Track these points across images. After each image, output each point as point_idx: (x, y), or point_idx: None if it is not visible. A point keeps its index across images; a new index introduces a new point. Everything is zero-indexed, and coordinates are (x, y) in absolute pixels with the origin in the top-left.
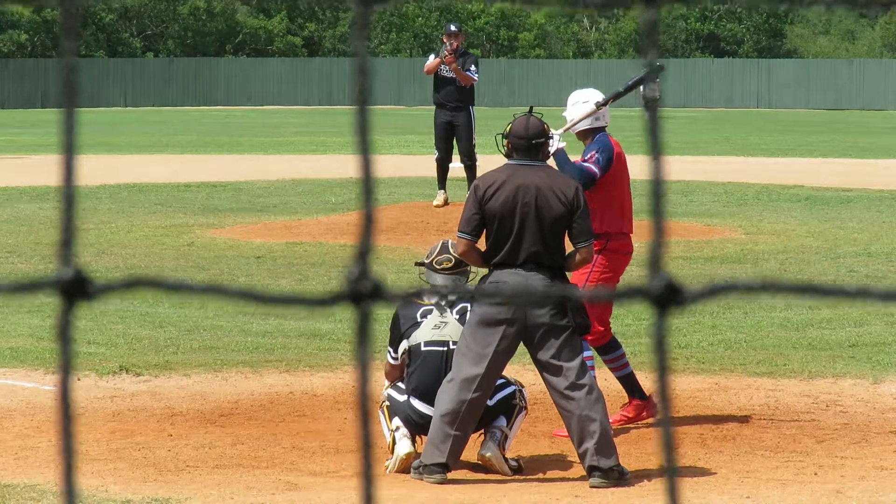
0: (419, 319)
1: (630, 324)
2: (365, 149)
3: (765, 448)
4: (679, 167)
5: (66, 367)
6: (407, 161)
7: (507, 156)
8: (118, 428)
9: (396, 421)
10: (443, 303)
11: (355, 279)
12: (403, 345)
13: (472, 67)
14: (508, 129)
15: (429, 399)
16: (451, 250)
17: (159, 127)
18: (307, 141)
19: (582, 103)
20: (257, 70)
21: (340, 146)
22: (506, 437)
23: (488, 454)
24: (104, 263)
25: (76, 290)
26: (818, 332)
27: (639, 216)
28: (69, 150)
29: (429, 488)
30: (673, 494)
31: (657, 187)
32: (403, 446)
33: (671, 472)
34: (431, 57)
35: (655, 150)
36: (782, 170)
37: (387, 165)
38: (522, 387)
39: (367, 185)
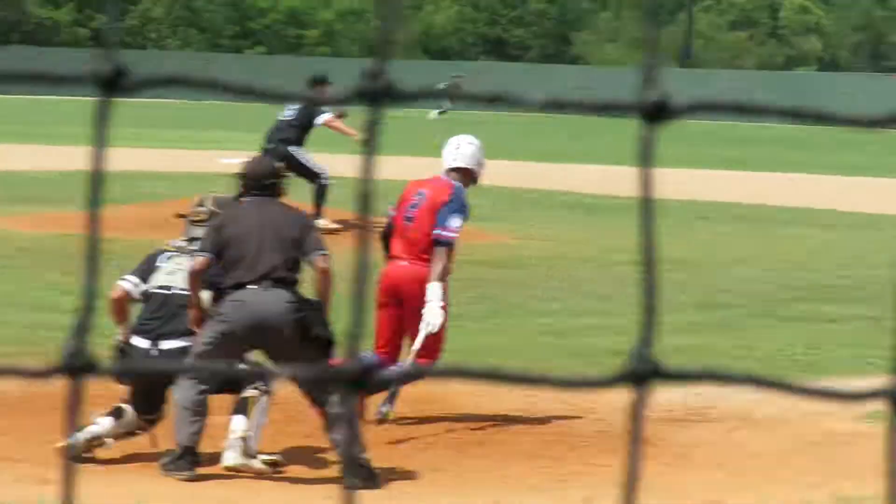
0: (158, 264)
1: None
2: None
3: (520, 453)
4: None
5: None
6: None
7: (240, 196)
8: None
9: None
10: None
11: (70, 354)
12: (143, 287)
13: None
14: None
15: (145, 336)
16: (206, 204)
17: None
18: None
19: (467, 144)
20: None
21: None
22: (245, 440)
23: (230, 464)
24: None
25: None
26: (580, 339)
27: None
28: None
29: (182, 485)
30: None
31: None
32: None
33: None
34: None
35: None
36: (557, 176)
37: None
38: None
39: (92, 261)
